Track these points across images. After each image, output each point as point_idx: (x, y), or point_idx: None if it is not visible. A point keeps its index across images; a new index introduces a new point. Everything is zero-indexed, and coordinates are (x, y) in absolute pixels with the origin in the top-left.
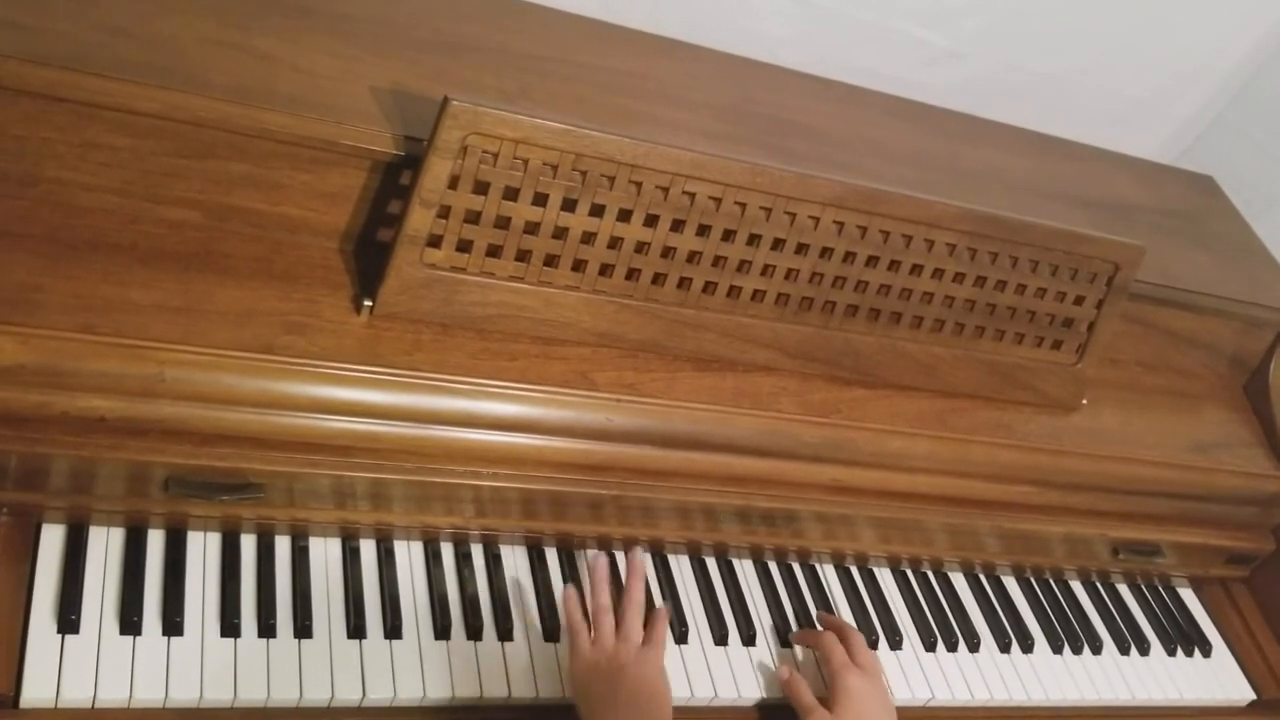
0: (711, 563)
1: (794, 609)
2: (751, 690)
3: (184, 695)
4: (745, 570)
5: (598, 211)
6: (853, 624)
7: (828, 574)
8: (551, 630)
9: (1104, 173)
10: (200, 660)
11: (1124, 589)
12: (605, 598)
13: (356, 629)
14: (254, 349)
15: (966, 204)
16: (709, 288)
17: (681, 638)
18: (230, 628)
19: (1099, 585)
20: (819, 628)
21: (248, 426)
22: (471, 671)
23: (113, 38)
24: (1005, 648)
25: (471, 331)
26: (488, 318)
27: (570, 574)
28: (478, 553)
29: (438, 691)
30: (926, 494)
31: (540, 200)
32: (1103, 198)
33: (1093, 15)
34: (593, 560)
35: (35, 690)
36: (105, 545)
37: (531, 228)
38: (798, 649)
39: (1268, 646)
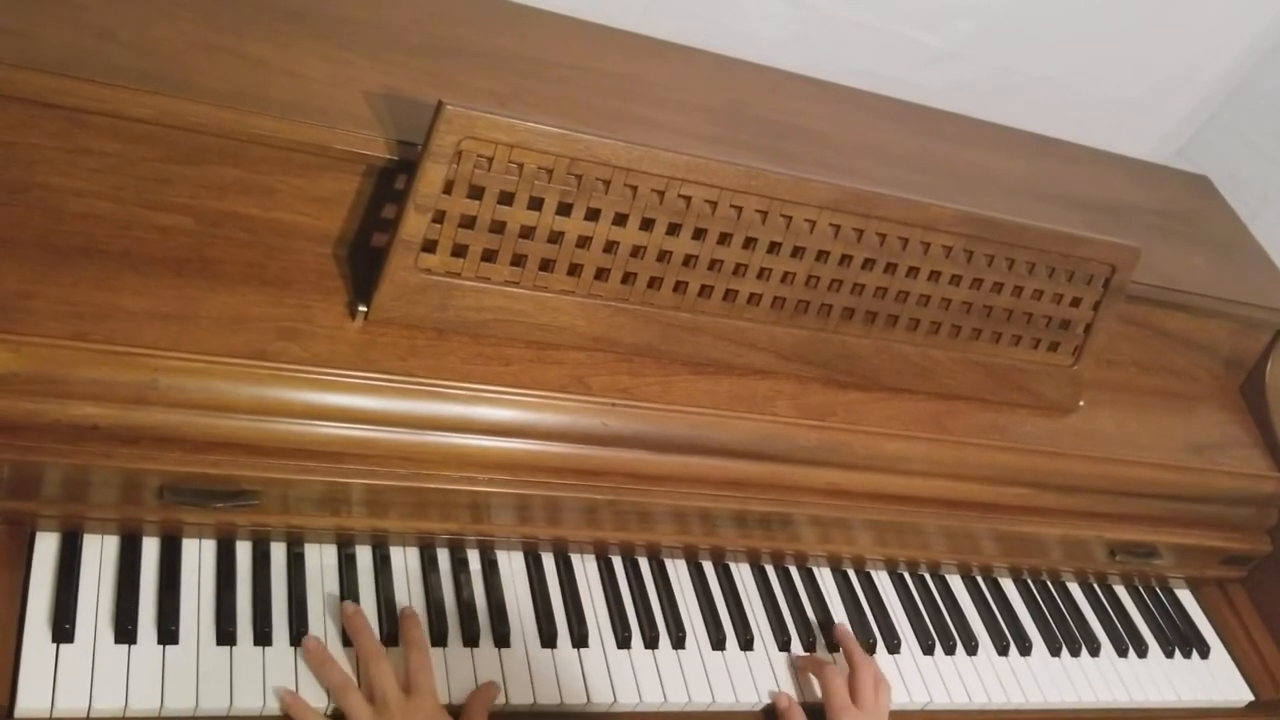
0: (708, 567)
1: (791, 613)
2: (749, 695)
3: (180, 704)
4: (742, 574)
5: (593, 215)
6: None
7: (825, 578)
8: (549, 636)
9: (1099, 173)
10: (196, 669)
11: (1121, 591)
12: (335, 672)
13: None
14: (247, 355)
15: (962, 206)
16: (705, 291)
17: (679, 643)
18: (226, 636)
19: (1096, 587)
20: (833, 637)
21: (241, 433)
22: (468, 677)
23: (104, 43)
24: (1003, 650)
25: (466, 336)
26: (483, 323)
27: (567, 579)
28: (474, 558)
29: None
30: (923, 497)
31: (535, 204)
32: (1098, 198)
33: (1087, 17)
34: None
35: (30, 700)
36: (99, 553)
37: (527, 232)
38: (796, 656)
39: (1265, 647)
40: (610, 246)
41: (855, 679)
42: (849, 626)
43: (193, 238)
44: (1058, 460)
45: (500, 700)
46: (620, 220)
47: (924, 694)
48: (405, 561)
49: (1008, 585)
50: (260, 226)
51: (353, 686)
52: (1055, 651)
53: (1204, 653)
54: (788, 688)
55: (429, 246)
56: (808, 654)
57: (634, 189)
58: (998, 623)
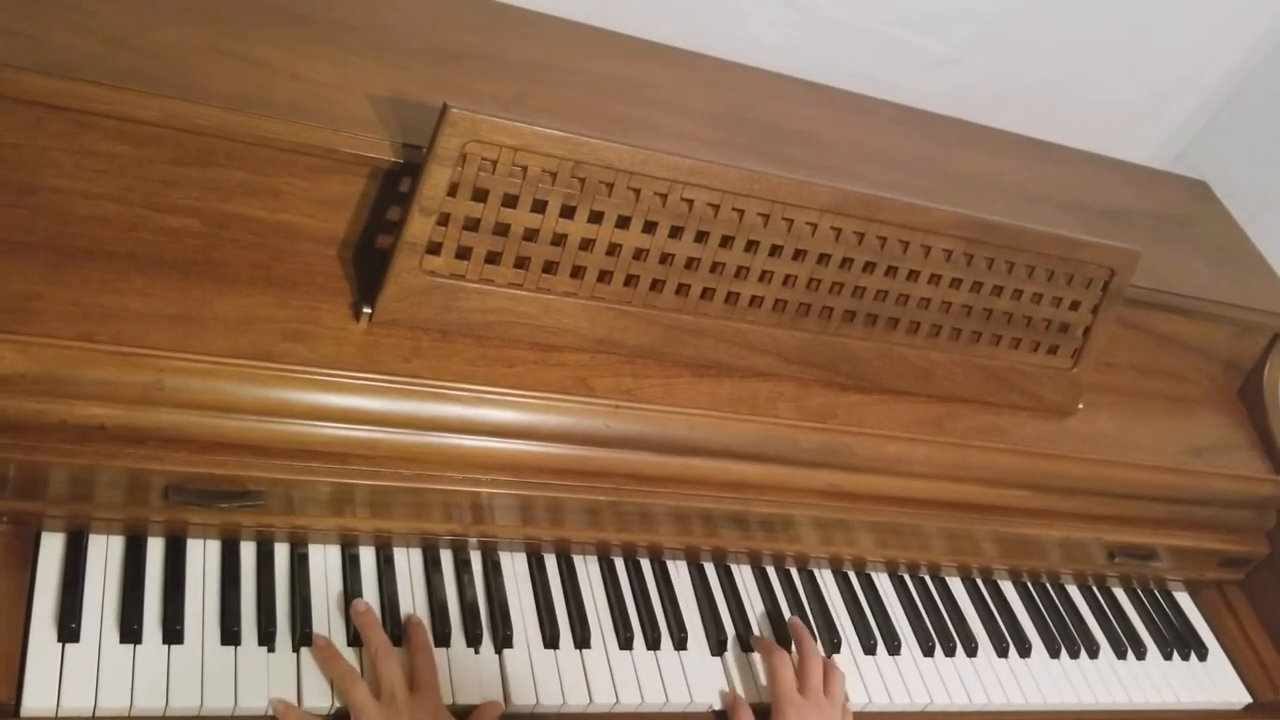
0: (710, 568)
1: (793, 614)
2: (751, 695)
3: (185, 703)
4: (744, 576)
5: (596, 218)
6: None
7: (825, 579)
8: (552, 637)
9: (1098, 178)
10: (201, 668)
11: (1120, 593)
12: (342, 664)
13: (356, 636)
14: (253, 356)
15: (962, 210)
16: (707, 294)
17: (680, 644)
18: (230, 635)
19: (1095, 589)
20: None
21: (247, 434)
22: (471, 679)
23: (111, 46)
24: (1003, 652)
25: (470, 338)
26: (486, 324)
27: (569, 580)
28: (476, 560)
29: None
30: (923, 499)
31: (539, 207)
32: (1097, 202)
33: (1086, 22)
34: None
35: (36, 699)
36: (105, 553)
37: (530, 234)
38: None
39: (1263, 649)
40: (613, 249)
41: (803, 669)
42: (801, 621)
43: (199, 239)
44: (1057, 462)
45: (502, 702)
46: (623, 223)
47: (924, 695)
48: (409, 562)
49: (1007, 587)
50: (266, 228)
51: (359, 679)
52: (1054, 653)
53: (1202, 655)
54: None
55: (433, 249)
56: (761, 637)
57: (637, 192)
58: (997, 624)
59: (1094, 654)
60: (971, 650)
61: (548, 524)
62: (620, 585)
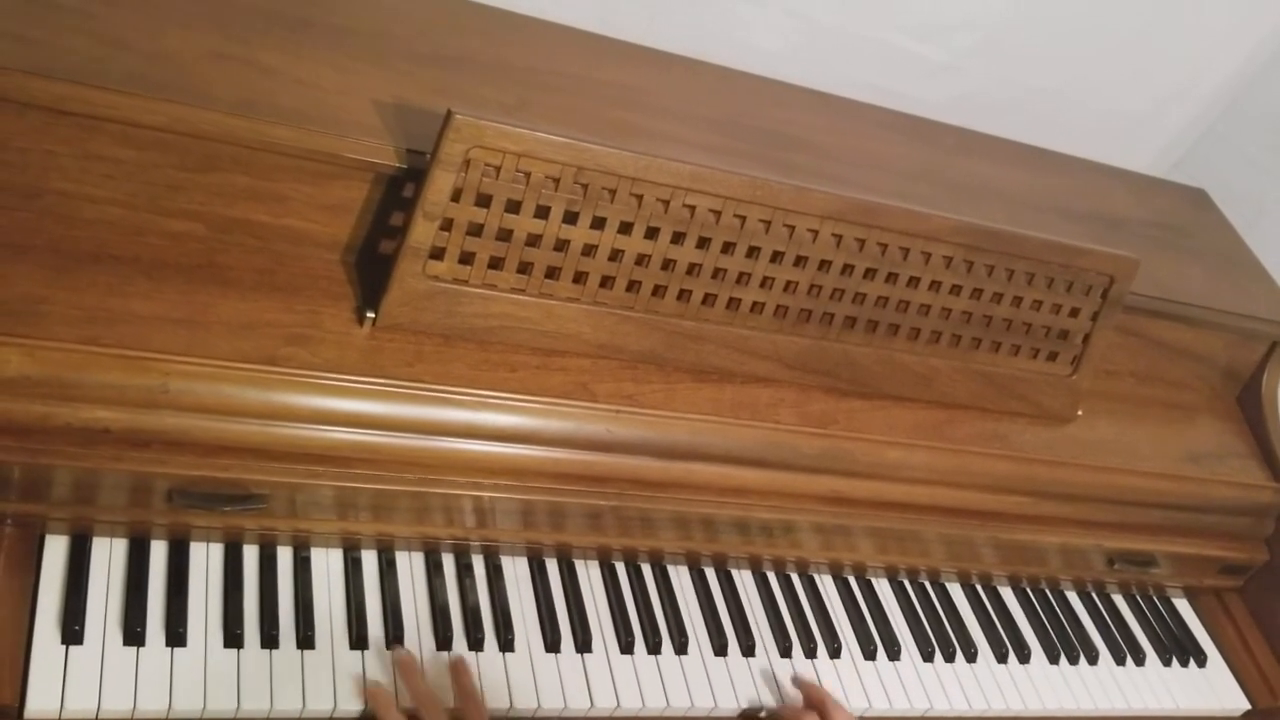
0: (711, 573)
1: (793, 620)
2: (751, 700)
3: (187, 706)
4: (744, 581)
5: (599, 224)
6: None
7: (826, 585)
8: (553, 642)
9: (1097, 186)
10: (204, 671)
11: (1119, 599)
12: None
13: (359, 640)
14: (257, 360)
15: (962, 216)
16: (708, 300)
17: (681, 648)
18: (233, 638)
19: (1095, 596)
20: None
21: (250, 438)
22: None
23: (117, 52)
24: (1002, 658)
25: (473, 343)
26: (489, 329)
27: (571, 584)
28: (478, 563)
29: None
30: (923, 505)
31: (542, 213)
32: (1096, 210)
33: (1086, 30)
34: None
35: (39, 701)
36: (108, 556)
37: (533, 240)
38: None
39: (1262, 656)
40: (615, 255)
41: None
42: (803, 679)
43: (204, 244)
44: (1057, 469)
45: (504, 705)
46: (625, 229)
47: (924, 700)
48: (410, 566)
49: (1007, 594)
50: (270, 233)
51: None
52: (1054, 659)
53: (1201, 661)
54: (789, 694)
55: (437, 254)
56: (784, 706)
57: (639, 198)
58: (997, 631)
59: (1093, 660)
60: (971, 656)
61: (549, 528)
62: (621, 589)
